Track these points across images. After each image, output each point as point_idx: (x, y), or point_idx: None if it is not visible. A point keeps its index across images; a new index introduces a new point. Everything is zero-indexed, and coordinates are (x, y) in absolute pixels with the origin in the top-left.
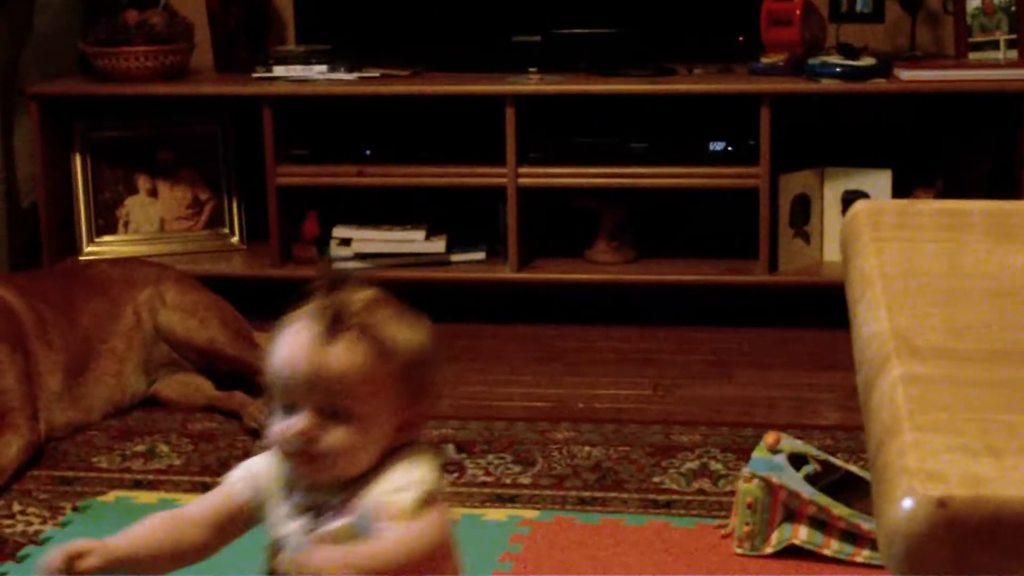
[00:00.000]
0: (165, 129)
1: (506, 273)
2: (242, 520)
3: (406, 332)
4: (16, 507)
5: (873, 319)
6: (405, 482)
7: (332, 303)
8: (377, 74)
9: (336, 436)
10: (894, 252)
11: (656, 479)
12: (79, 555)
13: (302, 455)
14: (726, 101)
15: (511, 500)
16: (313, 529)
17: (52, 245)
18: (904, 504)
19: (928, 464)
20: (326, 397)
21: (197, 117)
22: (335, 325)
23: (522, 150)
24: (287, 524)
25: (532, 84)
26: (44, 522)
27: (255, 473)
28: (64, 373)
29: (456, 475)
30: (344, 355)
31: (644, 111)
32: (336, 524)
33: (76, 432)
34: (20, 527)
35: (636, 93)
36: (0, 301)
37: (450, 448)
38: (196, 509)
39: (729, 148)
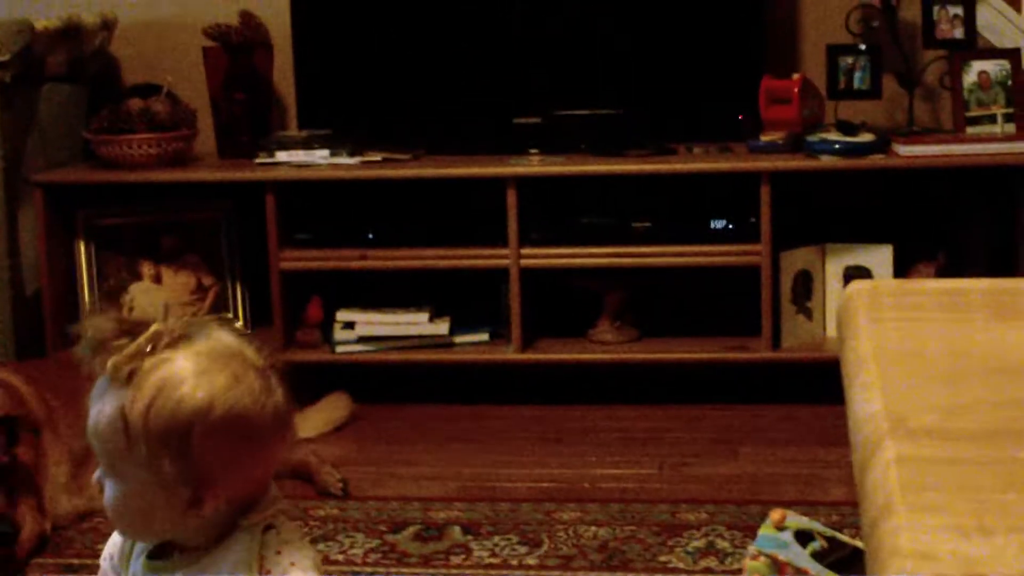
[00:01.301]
0: (168, 215)
1: (509, 354)
2: None
3: (177, 395)
4: None
5: (867, 399)
6: None
7: (110, 355)
8: (379, 158)
9: (108, 493)
10: (890, 332)
11: (663, 558)
12: None
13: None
14: (726, 179)
15: None
16: None
17: (56, 332)
18: None
19: (921, 544)
20: (96, 453)
21: (200, 203)
22: (110, 379)
23: (524, 231)
24: None
25: (533, 165)
26: None
27: (112, 545)
28: (70, 462)
29: (463, 556)
30: (98, 411)
31: (645, 190)
32: None
33: (81, 520)
34: None
35: (637, 173)
36: (10, 388)
37: (456, 531)
38: None
39: (730, 226)
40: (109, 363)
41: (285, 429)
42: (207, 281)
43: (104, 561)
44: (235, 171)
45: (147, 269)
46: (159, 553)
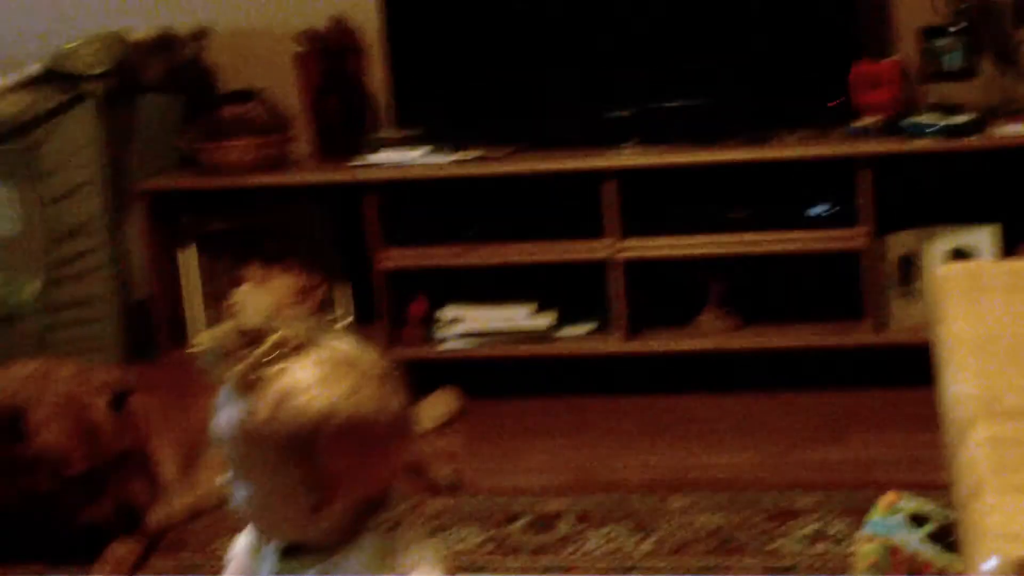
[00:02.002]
0: (270, 218)
1: (614, 345)
2: None
3: (301, 402)
4: None
5: (958, 381)
6: None
7: (234, 365)
8: (475, 155)
9: (239, 496)
10: (984, 313)
11: (775, 544)
12: None
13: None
14: (824, 165)
15: (631, 570)
16: None
17: (164, 337)
18: (987, 565)
19: (1010, 525)
20: (224, 458)
21: (301, 205)
22: (235, 387)
23: (624, 222)
24: None
25: (629, 158)
26: None
27: (243, 540)
28: (182, 461)
29: (575, 546)
30: (224, 418)
31: (743, 179)
32: None
33: (191, 519)
34: None
35: (733, 162)
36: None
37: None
38: None
39: (830, 212)
40: (233, 372)
41: (405, 432)
42: (311, 282)
43: (234, 556)
44: (333, 173)
45: (252, 273)
46: (291, 550)
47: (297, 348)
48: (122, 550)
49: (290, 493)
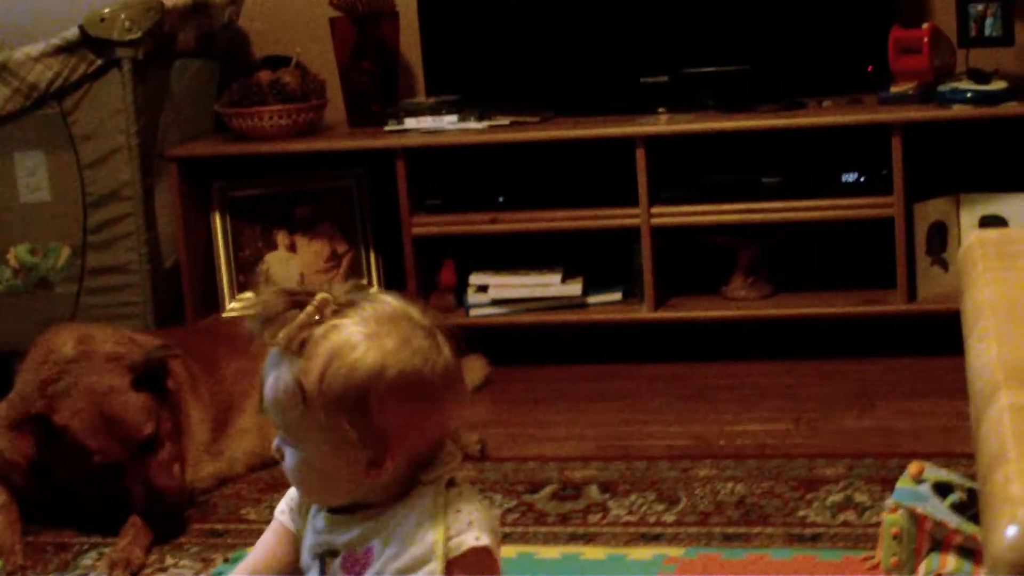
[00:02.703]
0: (301, 185)
1: (643, 313)
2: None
3: (350, 360)
4: (168, 560)
5: (984, 350)
6: (420, 549)
7: (280, 328)
8: (507, 122)
9: (289, 460)
10: (1008, 283)
11: (801, 513)
12: None
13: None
14: (857, 132)
15: (655, 539)
16: (339, 570)
17: (194, 303)
18: (1008, 532)
19: None
20: (274, 422)
21: (332, 172)
22: (283, 350)
23: (654, 190)
24: (308, 570)
25: (661, 124)
26: (196, 574)
27: (290, 499)
28: (211, 427)
29: (600, 515)
30: (274, 381)
31: (774, 145)
32: None
33: (222, 485)
34: None
35: (766, 128)
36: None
37: (593, 489)
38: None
39: (862, 179)
40: (281, 334)
41: (457, 386)
42: (341, 248)
43: (281, 515)
44: (365, 139)
45: (282, 239)
46: (341, 507)
47: (342, 307)
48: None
49: (344, 452)
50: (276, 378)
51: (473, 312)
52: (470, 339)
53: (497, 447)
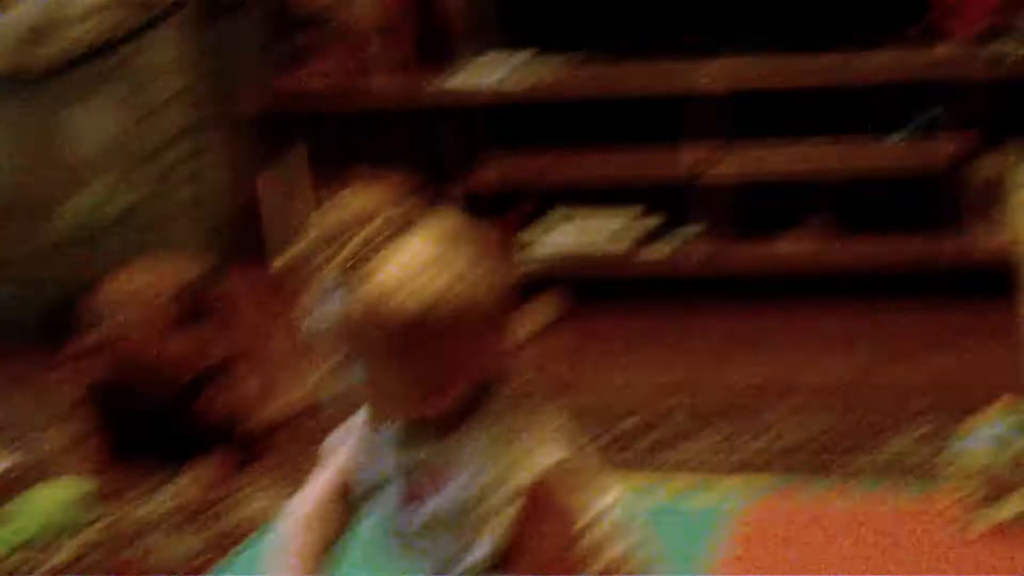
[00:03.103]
0: (359, 134)
1: (714, 254)
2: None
3: (413, 285)
4: (252, 487)
5: None
6: (493, 473)
7: (339, 249)
8: (572, 65)
9: (355, 376)
10: None
11: (885, 447)
12: None
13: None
14: (916, 83)
15: (741, 469)
16: (410, 494)
17: (273, 240)
18: None
19: None
20: (336, 345)
21: (391, 119)
22: (339, 273)
23: (723, 134)
24: (386, 488)
25: (729, 68)
26: (278, 501)
27: (342, 436)
28: (284, 363)
29: (681, 450)
30: (333, 306)
31: (839, 93)
32: (429, 508)
33: (305, 413)
34: (256, 507)
35: (830, 76)
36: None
37: (675, 419)
38: (318, 508)
39: (922, 128)
40: (340, 257)
41: (514, 306)
42: (419, 189)
43: (336, 442)
44: (426, 87)
45: (339, 189)
46: (409, 431)
47: (399, 232)
48: (218, 456)
49: (405, 378)
50: (330, 305)
51: (549, 251)
52: (546, 277)
53: (583, 378)
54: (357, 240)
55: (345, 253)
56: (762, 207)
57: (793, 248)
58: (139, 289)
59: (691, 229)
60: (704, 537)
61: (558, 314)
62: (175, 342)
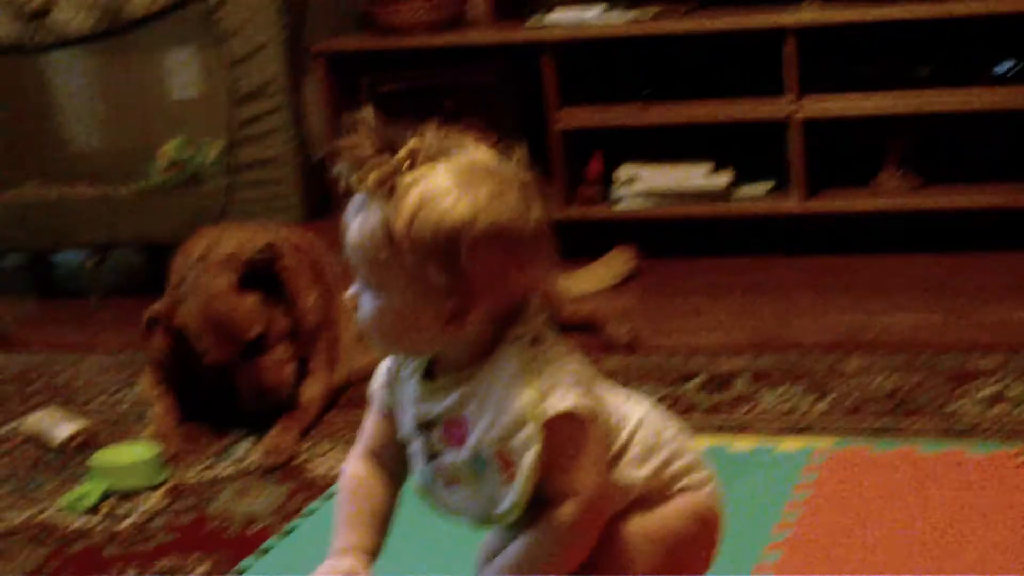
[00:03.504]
0: (447, 78)
1: (792, 205)
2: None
3: (442, 207)
4: (323, 447)
5: None
6: (512, 415)
7: (370, 170)
8: (653, 12)
9: (368, 308)
10: None
11: (952, 406)
12: None
13: (361, 328)
14: (1009, 21)
15: (804, 430)
16: (431, 450)
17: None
18: None
19: None
20: (356, 267)
21: (478, 65)
22: (371, 193)
23: (804, 81)
24: (412, 440)
25: (809, 13)
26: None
27: (382, 374)
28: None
29: (749, 406)
30: (357, 225)
31: (925, 35)
32: (451, 460)
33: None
34: (327, 466)
35: (916, 18)
36: (303, 250)
37: (741, 381)
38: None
39: (1015, 69)
40: (371, 176)
41: (545, 244)
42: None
43: (376, 392)
44: (511, 32)
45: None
46: (430, 373)
47: (434, 155)
48: (283, 421)
49: (428, 301)
50: (362, 221)
51: (621, 204)
52: (618, 230)
53: (646, 338)
54: (389, 162)
55: (376, 174)
56: (841, 156)
57: (872, 198)
58: (210, 254)
59: (766, 181)
60: (768, 500)
61: (630, 268)
62: (243, 308)
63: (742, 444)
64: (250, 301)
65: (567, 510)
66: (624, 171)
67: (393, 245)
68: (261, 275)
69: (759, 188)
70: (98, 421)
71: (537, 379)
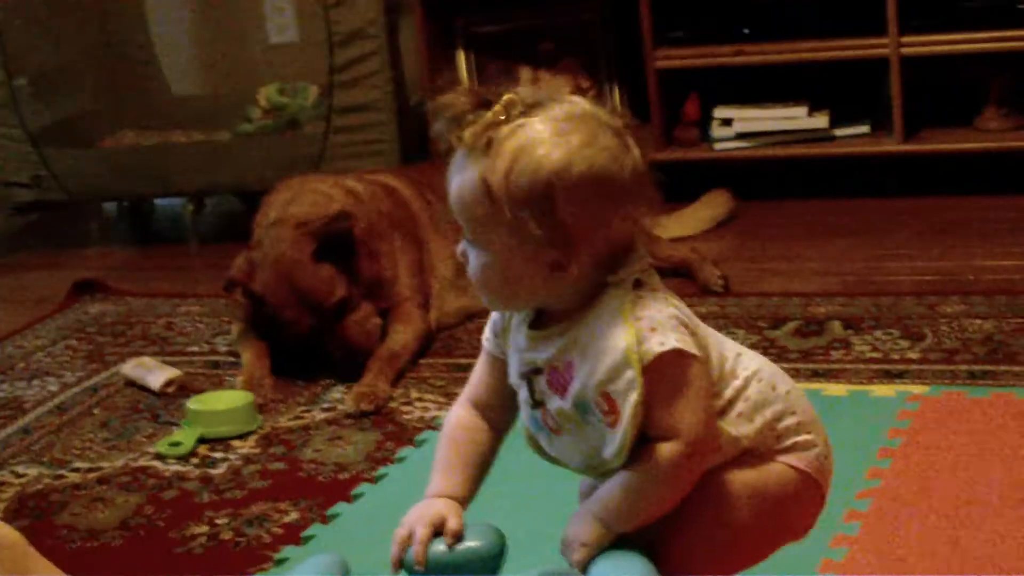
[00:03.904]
0: (543, 20)
1: (891, 145)
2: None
3: (536, 156)
4: (414, 394)
5: None
6: (613, 358)
7: (466, 127)
8: None
9: (473, 263)
10: None
11: None
12: (441, 522)
13: (472, 282)
14: None
15: (899, 376)
16: (537, 398)
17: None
18: None
19: None
20: (460, 223)
21: (574, 6)
22: (469, 150)
23: (904, 19)
24: (518, 389)
25: None
26: (440, 408)
27: (492, 324)
28: (454, 261)
29: (843, 351)
30: (457, 183)
31: None
32: (557, 407)
33: (468, 319)
34: (417, 413)
35: None
36: (394, 192)
37: (836, 325)
38: (472, 409)
39: None
40: (467, 133)
41: (644, 188)
42: (584, 83)
43: (487, 342)
44: None
45: (525, 74)
46: (537, 323)
47: (530, 108)
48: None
49: (529, 252)
50: (461, 178)
51: (717, 146)
52: (715, 173)
53: (740, 282)
54: (485, 118)
55: (472, 130)
56: (948, 93)
57: (973, 138)
58: (285, 217)
59: (864, 122)
60: (861, 446)
61: (726, 211)
62: (321, 277)
63: (835, 389)
64: (328, 269)
65: (668, 449)
66: (721, 112)
67: (492, 199)
68: (336, 241)
69: (857, 129)
70: (194, 368)
71: (638, 321)
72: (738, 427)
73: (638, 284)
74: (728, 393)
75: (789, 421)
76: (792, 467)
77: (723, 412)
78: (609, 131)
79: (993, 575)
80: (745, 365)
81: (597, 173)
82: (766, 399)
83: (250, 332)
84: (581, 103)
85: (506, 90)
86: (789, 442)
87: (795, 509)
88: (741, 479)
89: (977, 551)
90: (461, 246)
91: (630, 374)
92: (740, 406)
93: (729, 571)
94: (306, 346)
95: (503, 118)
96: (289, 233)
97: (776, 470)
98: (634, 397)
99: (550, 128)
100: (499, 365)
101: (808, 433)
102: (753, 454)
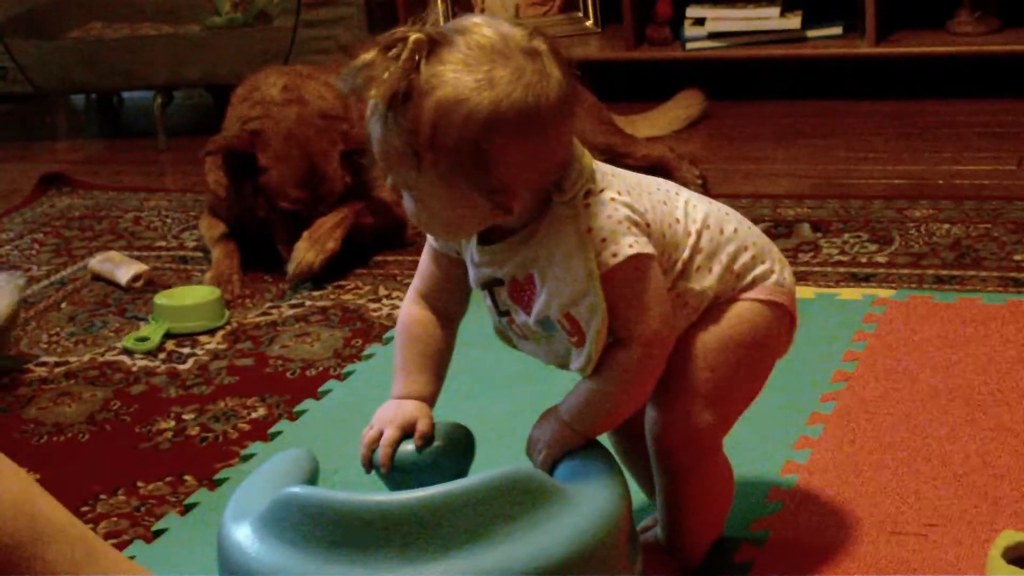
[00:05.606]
0: None
1: (864, 48)
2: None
3: (461, 113)
4: (381, 291)
5: None
6: (574, 282)
7: (387, 79)
8: None
9: (409, 206)
10: None
11: (1017, 257)
12: (411, 425)
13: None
14: None
15: (866, 279)
16: (502, 307)
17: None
18: None
19: None
20: (385, 172)
21: None
22: (384, 101)
23: None
24: (482, 295)
25: None
26: None
27: None
28: None
29: (811, 254)
30: (382, 140)
31: None
32: (522, 321)
33: None
34: (386, 311)
35: None
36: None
37: (806, 228)
38: (423, 304)
39: None
40: (382, 90)
41: (571, 104)
42: None
43: (435, 241)
44: None
45: None
46: (488, 238)
47: (437, 45)
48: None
49: (467, 202)
50: (384, 134)
51: (689, 45)
52: (686, 72)
53: (712, 182)
54: (395, 70)
55: (388, 78)
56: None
57: (947, 41)
58: (305, 103)
59: (837, 23)
60: (827, 348)
61: (699, 110)
62: (339, 173)
63: (804, 292)
64: (345, 173)
65: (628, 354)
66: (693, 12)
67: (419, 160)
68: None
69: (830, 31)
70: (161, 263)
71: (589, 232)
72: (700, 281)
73: (588, 193)
74: (685, 254)
75: (744, 258)
76: (758, 301)
77: (684, 271)
78: (524, 58)
79: (953, 473)
80: (694, 218)
81: (523, 113)
82: (718, 244)
83: (219, 225)
84: (488, 31)
85: (410, 29)
86: (749, 278)
87: (771, 340)
88: (716, 335)
89: (939, 450)
90: (391, 181)
91: (592, 299)
92: (698, 259)
93: (731, 420)
94: (268, 232)
95: (416, 60)
96: (316, 119)
97: (744, 310)
98: (597, 321)
99: (469, 76)
100: (445, 259)
101: (763, 263)
102: (720, 300)
